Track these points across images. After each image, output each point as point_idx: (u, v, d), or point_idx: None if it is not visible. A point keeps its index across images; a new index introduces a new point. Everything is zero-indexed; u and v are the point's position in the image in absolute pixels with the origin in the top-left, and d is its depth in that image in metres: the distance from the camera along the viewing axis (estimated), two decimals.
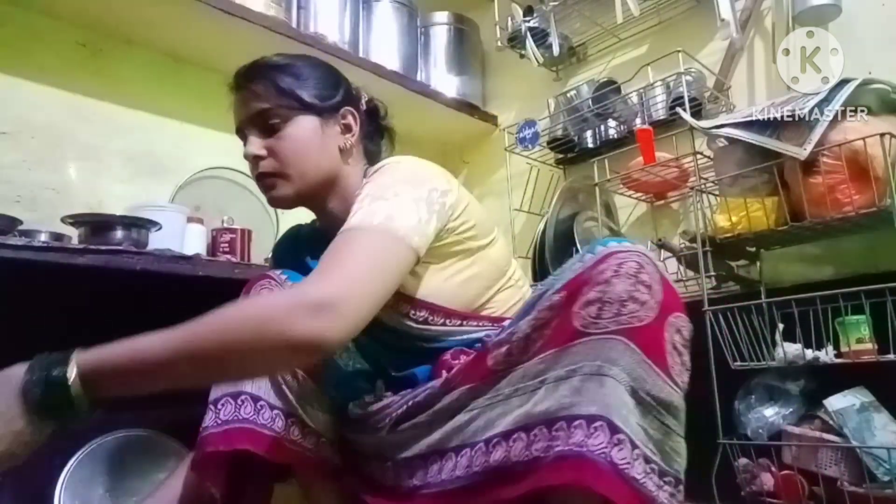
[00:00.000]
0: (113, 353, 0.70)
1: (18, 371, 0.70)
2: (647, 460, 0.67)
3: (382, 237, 0.80)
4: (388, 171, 0.91)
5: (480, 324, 0.95)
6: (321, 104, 0.98)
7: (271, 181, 0.97)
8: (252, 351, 0.70)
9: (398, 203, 0.84)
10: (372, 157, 1.06)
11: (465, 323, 0.95)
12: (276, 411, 0.93)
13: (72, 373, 0.68)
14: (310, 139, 0.97)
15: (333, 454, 0.99)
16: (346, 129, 1.01)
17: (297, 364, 0.75)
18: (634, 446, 0.66)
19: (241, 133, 0.99)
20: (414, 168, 0.93)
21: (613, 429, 0.66)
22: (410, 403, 0.87)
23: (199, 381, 0.79)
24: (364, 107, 1.07)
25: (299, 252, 1.09)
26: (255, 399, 0.93)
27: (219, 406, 0.93)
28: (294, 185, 0.97)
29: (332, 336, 0.71)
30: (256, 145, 0.96)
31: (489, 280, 0.98)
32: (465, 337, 0.95)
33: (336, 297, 0.72)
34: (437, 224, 0.87)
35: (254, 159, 0.96)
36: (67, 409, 0.68)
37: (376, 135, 1.09)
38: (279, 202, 0.99)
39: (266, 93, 0.95)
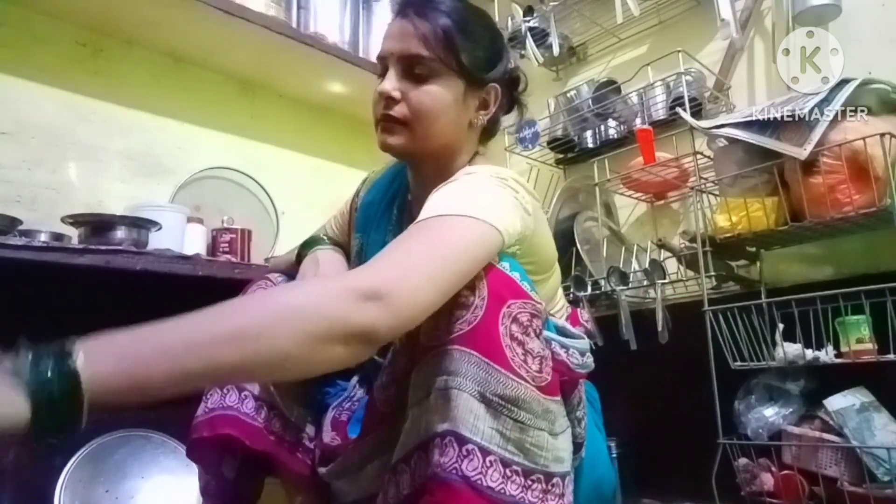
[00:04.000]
0: (120, 365, 0.54)
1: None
2: (507, 463, 0.66)
3: (460, 219, 0.73)
4: (481, 175, 0.85)
5: None
6: (475, 74, 0.92)
7: (393, 126, 0.90)
8: (296, 347, 0.59)
9: (490, 199, 0.78)
10: (487, 137, 1.01)
11: None
12: (259, 402, 0.95)
13: (79, 368, 0.52)
14: (449, 104, 0.90)
15: (313, 448, 0.99)
16: (484, 105, 0.96)
17: (348, 358, 0.62)
18: (487, 453, 0.66)
19: (383, 62, 0.92)
20: (503, 172, 0.87)
21: (461, 440, 0.65)
22: (346, 454, 0.89)
23: (223, 383, 0.74)
24: (508, 77, 1.00)
25: (388, 192, 1.06)
26: (240, 389, 0.94)
27: (207, 396, 0.95)
28: (413, 141, 0.90)
29: (382, 325, 0.62)
30: (394, 85, 0.89)
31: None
32: None
33: (387, 285, 0.63)
34: (521, 228, 0.80)
35: (387, 99, 0.89)
36: (67, 375, 0.51)
37: (504, 111, 1.03)
38: (389, 149, 0.92)
39: (430, 38, 0.88)
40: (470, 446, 0.65)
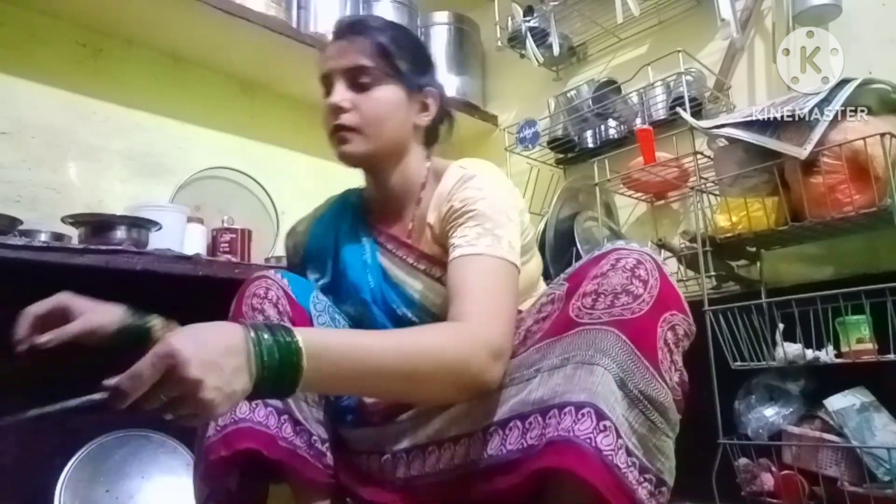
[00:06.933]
0: (332, 339, 0.69)
1: (237, 329, 0.63)
2: (629, 453, 0.67)
3: (511, 269, 0.86)
4: (490, 189, 0.93)
5: None
6: (412, 78, 1.01)
7: (348, 135, 0.98)
8: (445, 385, 0.74)
9: (511, 230, 0.89)
10: (429, 142, 1.08)
11: None
12: (269, 408, 0.93)
13: (300, 344, 0.63)
14: (395, 106, 0.99)
15: (325, 452, 0.98)
16: (424, 108, 1.04)
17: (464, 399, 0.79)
18: (619, 436, 0.66)
19: (327, 80, 1.00)
20: (506, 187, 0.97)
21: (600, 415, 0.66)
22: None
23: (385, 394, 0.84)
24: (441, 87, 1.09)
25: (343, 220, 1.10)
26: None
27: None
28: (368, 145, 0.98)
29: (498, 379, 0.76)
30: (343, 96, 0.97)
31: (521, 291, 0.98)
32: None
33: (507, 343, 0.77)
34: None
35: (337, 109, 0.97)
36: (289, 379, 0.63)
37: (441, 124, 1.10)
38: (349, 157, 1.00)
39: (367, 50, 0.97)
40: (608, 423, 0.66)
